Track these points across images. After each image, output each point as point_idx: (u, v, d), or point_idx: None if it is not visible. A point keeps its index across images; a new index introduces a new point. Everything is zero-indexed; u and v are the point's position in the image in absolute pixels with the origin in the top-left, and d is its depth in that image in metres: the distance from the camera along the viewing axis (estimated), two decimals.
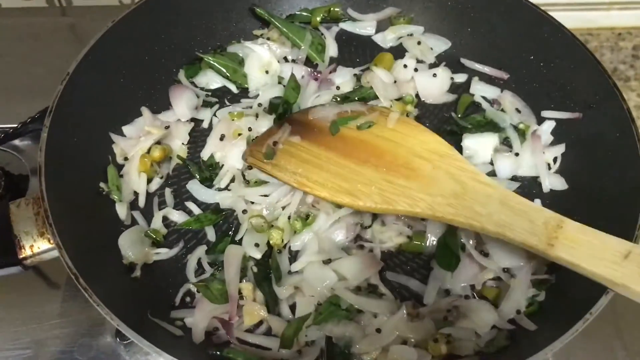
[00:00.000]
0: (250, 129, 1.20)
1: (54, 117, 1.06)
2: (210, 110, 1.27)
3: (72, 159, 1.08)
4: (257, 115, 1.23)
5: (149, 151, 1.16)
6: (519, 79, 1.31)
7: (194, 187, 1.16)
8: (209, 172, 1.18)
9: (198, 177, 1.17)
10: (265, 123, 1.21)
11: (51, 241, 0.95)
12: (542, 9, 1.26)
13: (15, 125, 1.33)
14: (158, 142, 1.19)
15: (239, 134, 1.19)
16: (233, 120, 1.22)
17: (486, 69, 1.34)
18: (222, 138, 1.20)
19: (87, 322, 1.15)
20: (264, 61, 1.31)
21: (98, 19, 1.67)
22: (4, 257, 0.97)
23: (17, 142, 1.38)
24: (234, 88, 1.32)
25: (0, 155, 1.37)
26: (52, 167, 1.01)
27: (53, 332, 1.14)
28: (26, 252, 0.97)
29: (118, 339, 1.10)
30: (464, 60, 1.36)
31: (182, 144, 1.22)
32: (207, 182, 1.17)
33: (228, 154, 1.18)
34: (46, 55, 1.60)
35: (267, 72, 1.31)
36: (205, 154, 1.20)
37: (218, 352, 0.95)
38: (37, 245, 0.97)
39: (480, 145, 1.20)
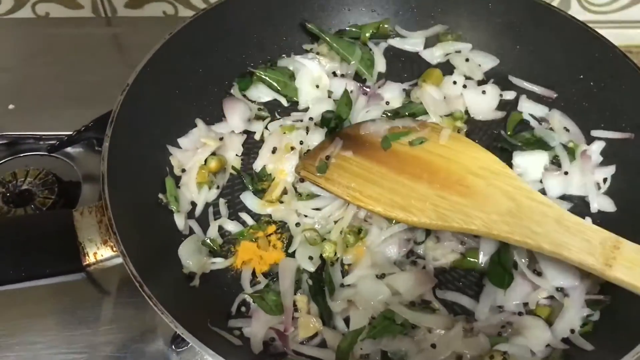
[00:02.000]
0: (301, 143, 1.22)
1: (115, 127, 1.08)
2: (262, 123, 1.29)
3: (132, 169, 1.11)
4: (307, 129, 1.25)
5: (205, 162, 1.18)
6: (567, 98, 1.31)
7: (248, 198, 1.18)
8: (262, 184, 1.20)
9: (251, 188, 1.19)
10: (316, 137, 1.23)
11: (114, 249, 0.97)
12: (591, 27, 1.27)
13: (70, 133, 1.36)
14: (213, 154, 1.21)
15: (292, 148, 1.21)
16: (284, 133, 1.24)
17: (534, 88, 1.34)
18: (274, 151, 1.22)
19: (140, 328, 1.17)
20: (315, 75, 1.33)
21: (142, 29, 1.73)
22: (69, 263, 0.99)
23: (69, 149, 1.41)
24: (284, 101, 1.34)
25: (53, 162, 1.40)
26: (113, 176, 1.03)
27: (106, 337, 1.16)
28: (90, 259, 0.99)
29: (173, 346, 1.11)
30: (511, 78, 1.36)
31: (236, 155, 1.24)
32: (260, 193, 1.19)
33: (280, 166, 1.20)
34: (92, 65, 1.64)
35: (317, 86, 1.32)
36: (257, 166, 1.22)
37: None
38: (101, 253, 0.99)
39: (530, 163, 1.21)
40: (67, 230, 1.00)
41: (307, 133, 1.24)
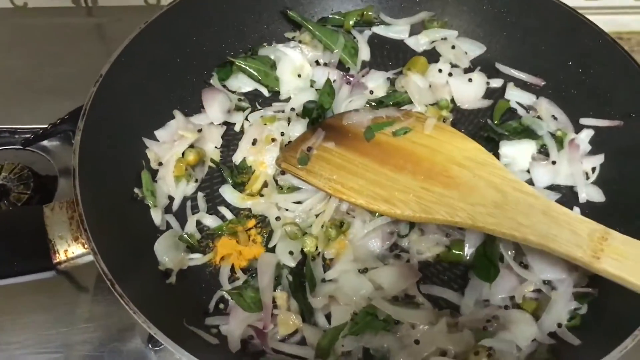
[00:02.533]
0: (282, 134, 1.19)
1: (87, 120, 1.05)
2: (242, 114, 1.25)
3: (106, 162, 1.07)
4: (289, 120, 1.21)
5: (183, 155, 1.15)
6: (556, 86, 1.28)
7: (227, 191, 1.15)
8: (241, 176, 1.17)
9: (230, 181, 1.16)
10: (298, 128, 1.20)
11: (86, 246, 0.94)
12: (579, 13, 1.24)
13: (45, 126, 1.32)
14: (191, 146, 1.17)
15: (273, 139, 1.17)
16: (265, 124, 1.20)
17: (522, 75, 1.32)
18: (254, 142, 1.18)
19: (117, 326, 1.14)
20: (297, 65, 1.30)
21: (124, 19, 1.69)
22: (38, 261, 0.96)
23: (45, 143, 1.37)
24: (265, 92, 1.30)
25: (29, 156, 1.36)
26: (85, 171, 1.00)
27: (83, 335, 1.13)
28: (60, 256, 0.96)
29: (150, 345, 1.08)
30: (499, 66, 1.33)
31: (215, 147, 1.21)
32: (240, 187, 1.16)
33: (260, 158, 1.17)
34: (72, 56, 1.60)
35: (299, 75, 1.29)
36: (237, 158, 1.19)
37: None
38: (72, 250, 0.96)
39: (518, 152, 1.18)
40: (37, 227, 0.96)
41: (288, 124, 1.21)
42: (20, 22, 1.70)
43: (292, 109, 1.24)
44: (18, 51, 1.60)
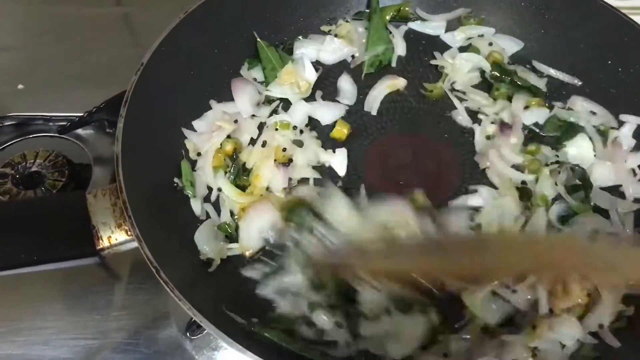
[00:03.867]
0: (284, 150, 1.17)
1: (129, 107, 1.05)
2: (269, 109, 1.25)
3: (146, 151, 1.07)
4: (301, 132, 1.21)
5: (220, 146, 1.15)
6: (594, 85, 1.27)
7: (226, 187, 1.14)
8: (243, 180, 1.16)
9: (232, 179, 1.16)
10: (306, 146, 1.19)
11: (129, 233, 0.94)
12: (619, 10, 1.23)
13: (80, 114, 1.33)
14: (228, 136, 1.17)
15: (284, 151, 1.17)
16: (276, 129, 1.20)
17: (559, 75, 1.31)
18: (263, 144, 1.18)
19: (152, 314, 1.13)
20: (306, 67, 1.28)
21: (151, 8, 1.69)
22: (82, 247, 0.95)
23: (80, 131, 1.37)
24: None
25: (63, 143, 1.37)
26: (127, 159, 0.99)
27: (118, 323, 1.12)
28: (104, 243, 0.95)
29: (188, 334, 1.08)
30: (535, 63, 1.33)
31: (252, 138, 1.20)
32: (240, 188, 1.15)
33: (258, 171, 1.14)
34: (101, 45, 1.60)
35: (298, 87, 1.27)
36: (244, 157, 1.18)
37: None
38: (115, 237, 0.96)
39: (581, 149, 1.18)
40: (80, 213, 0.96)
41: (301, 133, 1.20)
42: (51, 10, 1.69)
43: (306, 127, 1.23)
44: (50, 39, 1.60)
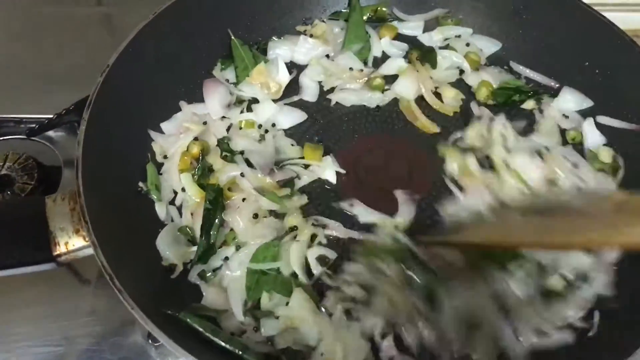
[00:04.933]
0: (242, 153, 1.15)
1: (92, 110, 1.02)
2: (239, 109, 1.22)
3: (110, 154, 1.05)
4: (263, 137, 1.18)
5: (187, 148, 1.13)
6: (571, 87, 1.25)
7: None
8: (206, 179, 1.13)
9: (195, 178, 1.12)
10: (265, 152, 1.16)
11: (86, 239, 0.91)
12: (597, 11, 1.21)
13: (50, 117, 1.31)
14: (196, 139, 1.15)
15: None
16: (240, 128, 1.18)
17: (536, 76, 1.29)
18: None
19: (119, 320, 1.12)
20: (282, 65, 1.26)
21: (133, 9, 1.66)
22: (38, 253, 0.93)
23: (51, 133, 1.35)
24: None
25: (34, 146, 1.35)
26: (89, 162, 0.97)
27: (84, 329, 1.11)
28: (61, 249, 0.93)
29: (150, 340, 1.07)
30: (513, 64, 1.31)
31: (218, 139, 1.18)
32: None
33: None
34: (80, 46, 1.58)
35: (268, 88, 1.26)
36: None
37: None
38: (72, 243, 0.93)
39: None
40: (39, 218, 0.94)
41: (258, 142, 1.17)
42: (29, 10, 1.68)
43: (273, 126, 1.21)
44: (26, 40, 1.59)
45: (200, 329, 0.91)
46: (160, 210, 1.08)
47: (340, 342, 0.93)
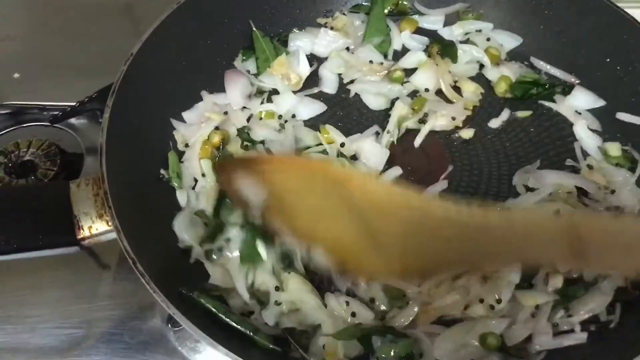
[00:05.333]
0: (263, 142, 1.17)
1: (116, 98, 1.04)
2: (259, 100, 1.23)
3: (133, 141, 1.07)
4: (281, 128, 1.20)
5: (208, 137, 1.14)
6: (592, 83, 1.25)
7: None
8: None
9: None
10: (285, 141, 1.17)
11: (109, 223, 0.94)
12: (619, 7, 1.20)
13: (73, 104, 1.33)
14: (217, 128, 1.17)
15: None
16: (260, 119, 1.20)
17: (557, 72, 1.29)
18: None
19: (138, 304, 1.13)
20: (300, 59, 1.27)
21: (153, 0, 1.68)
22: (63, 236, 0.95)
23: (73, 120, 1.37)
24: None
25: (56, 133, 1.37)
26: (113, 149, 0.99)
27: (104, 313, 1.13)
28: (84, 232, 0.95)
29: (169, 325, 1.08)
30: (533, 60, 1.31)
31: (237, 128, 1.19)
32: None
33: None
34: (102, 35, 1.60)
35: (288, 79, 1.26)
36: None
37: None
38: (96, 227, 0.95)
39: None
40: (63, 202, 0.96)
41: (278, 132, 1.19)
42: (50, 1, 1.70)
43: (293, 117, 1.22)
44: (49, 29, 1.61)
45: (214, 310, 0.93)
46: (182, 197, 1.10)
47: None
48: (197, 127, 1.16)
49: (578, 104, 1.24)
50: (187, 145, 1.15)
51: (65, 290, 1.16)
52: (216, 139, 1.15)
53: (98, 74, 1.27)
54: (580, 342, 0.94)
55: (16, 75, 1.47)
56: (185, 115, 1.19)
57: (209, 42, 1.25)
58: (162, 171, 1.11)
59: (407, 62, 1.28)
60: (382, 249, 0.80)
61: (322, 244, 0.84)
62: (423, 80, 1.25)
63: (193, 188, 1.12)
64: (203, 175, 1.11)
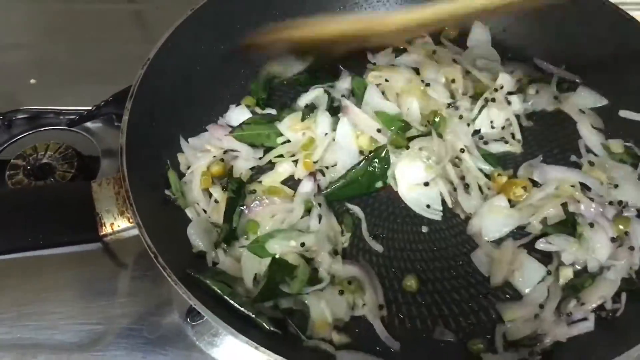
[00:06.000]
0: None
1: (134, 101, 1.08)
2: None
3: (150, 143, 1.11)
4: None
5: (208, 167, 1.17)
6: (593, 82, 1.29)
7: None
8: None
9: None
10: None
11: (131, 220, 0.97)
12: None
13: (88, 108, 1.37)
14: (222, 159, 1.19)
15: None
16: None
17: (561, 72, 1.32)
18: None
19: (156, 301, 1.17)
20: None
21: (164, 6, 1.72)
22: (86, 233, 0.99)
23: (89, 124, 1.41)
24: None
25: (73, 136, 1.41)
26: (132, 149, 1.03)
27: (123, 309, 1.16)
28: (107, 229, 0.99)
29: (188, 319, 1.11)
30: (536, 61, 1.35)
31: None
32: None
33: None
34: (113, 42, 1.65)
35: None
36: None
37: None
38: (117, 224, 0.99)
39: None
40: (85, 200, 1.00)
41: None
42: (63, 8, 1.75)
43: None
44: (62, 37, 1.66)
45: (219, 292, 0.96)
46: (190, 213, 1.11)
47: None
48: (201, 153, 1.18)
49: (582, 102, 1.27)
50: (188, 168, 1.17)
51: (84, 288, 1.19)
52: (215, 169, 1.16)
53: (110, 79, 1.32)
54: (588, 330, 0.98)
55: (32, 81, 1.51)
56: (192, 141, 1.21)
57: (222, 47, 1.29)
58: (167, 191, 1.12)
59: None
60: None
61: None
62: None
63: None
64: (210, 195, 1.14)
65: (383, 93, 1.23)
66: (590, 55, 1.29)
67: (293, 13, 1.33)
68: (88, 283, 1.20)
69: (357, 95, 1.24)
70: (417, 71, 1.30)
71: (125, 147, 1.02)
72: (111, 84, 1.33)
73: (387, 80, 1.24)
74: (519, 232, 1.10)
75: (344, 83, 1.28)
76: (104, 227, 0.99)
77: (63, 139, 1.38)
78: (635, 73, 1.23)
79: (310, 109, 1.23)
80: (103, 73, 1.51)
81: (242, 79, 1.32)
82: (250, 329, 0.91)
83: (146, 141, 1.10)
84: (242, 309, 0.95)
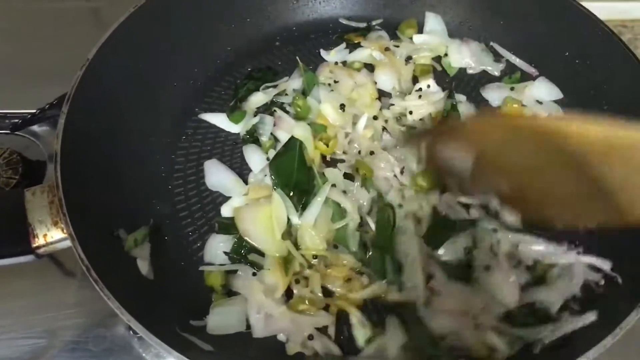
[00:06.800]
0: None
1: (72, 104, 1.03)
2: None
3: (90, 148, 1.05)
4: None
5: None
6: (552, 76, 1.27)
7: None
8: None
9: None
10: None
11: (64, 231, 0.92)
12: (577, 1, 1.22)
13: (34, 111, 1.31)
14: None
15: None
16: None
17: (517, 61, 1.31)
18: None
19: (102, 312, 1.12)
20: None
21: (120, 3, 1.65)
22: (17, 245, 0.94)
23: (35, 127, 1.35)
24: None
25: (18, 140, 1.35)
26: (68, 156, 0.98)
27: (67, 322, 1.11)
28: (39, 241, 0.94)
29: (131, 332, 1.07)
30: (495, 45, 1.34)
31: None
32: None
33: None
34: (67, 41, 1.57)
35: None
36: None
37: None
38: (51, 235, 0.94)
39: None
40: (18, 210, 0.95)
41: None
42: (14, 5, 1.68)
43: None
44: (12, 34, 1.59)
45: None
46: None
47: None
48: None
49: (539, 94, 1.26)
50: None
51: (28, 299, 1.14)
52: None
53: (60, 80, 1.24)
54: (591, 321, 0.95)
55: None
56: None
57: (171, 47, 1.24)
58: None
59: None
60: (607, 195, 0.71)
61: (535, 202, 0.79)
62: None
63: None
64: None
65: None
66: (548, 49, 1.28)
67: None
68: (32, 294, 1.14)
69: (306, 92, 1.21)
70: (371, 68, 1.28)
71: (60, 153, 0.98)
72: (60, 85, 1.25)
73: (336, 82, 1.21)
74: None
75: (295, 82, 1.24)
76: (36, 239, 0.94)
77: (7, 143, 1.32)
78: (590, 68, 1.22)
79: None
80: (53, 74, 1.41)
81: (191, 78, 1.28)
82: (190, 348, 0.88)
83: (85, 146, 1.04)
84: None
